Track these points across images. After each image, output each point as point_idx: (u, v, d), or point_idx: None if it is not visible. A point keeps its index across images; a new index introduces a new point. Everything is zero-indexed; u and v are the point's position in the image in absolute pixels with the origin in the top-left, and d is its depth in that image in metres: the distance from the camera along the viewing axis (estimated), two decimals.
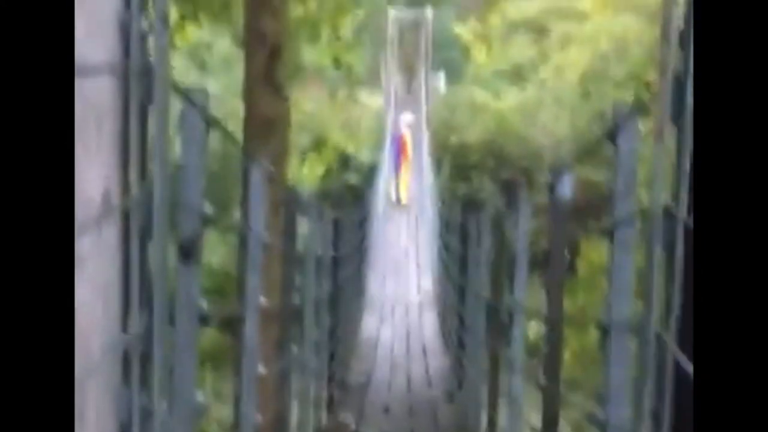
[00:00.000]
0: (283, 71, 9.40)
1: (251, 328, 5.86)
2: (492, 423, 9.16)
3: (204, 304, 4.21)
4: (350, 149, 32.29)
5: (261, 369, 6.08)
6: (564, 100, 32.60)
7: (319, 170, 22.68)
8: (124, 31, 2.48)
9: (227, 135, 5.46)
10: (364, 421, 11.39)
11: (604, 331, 4.11)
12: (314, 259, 9.23)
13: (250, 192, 5.97)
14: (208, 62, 18.57)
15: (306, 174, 22.90)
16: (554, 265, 6.21)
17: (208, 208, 4.22)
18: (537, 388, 6.24)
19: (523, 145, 33.16)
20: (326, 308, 11.63)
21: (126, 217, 2.55)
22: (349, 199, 31.79)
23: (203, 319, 4.24)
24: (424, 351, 15.86)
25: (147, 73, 2.53)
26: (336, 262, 12.80)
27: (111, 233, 2.45)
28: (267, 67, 9.27)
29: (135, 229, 2.55)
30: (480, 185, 33.03)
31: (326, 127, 31.38)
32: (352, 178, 33.01)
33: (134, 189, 2.54)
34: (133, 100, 2.50)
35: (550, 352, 6.15)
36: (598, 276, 17.73)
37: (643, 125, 4.27)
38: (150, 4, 2.54)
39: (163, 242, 2.66)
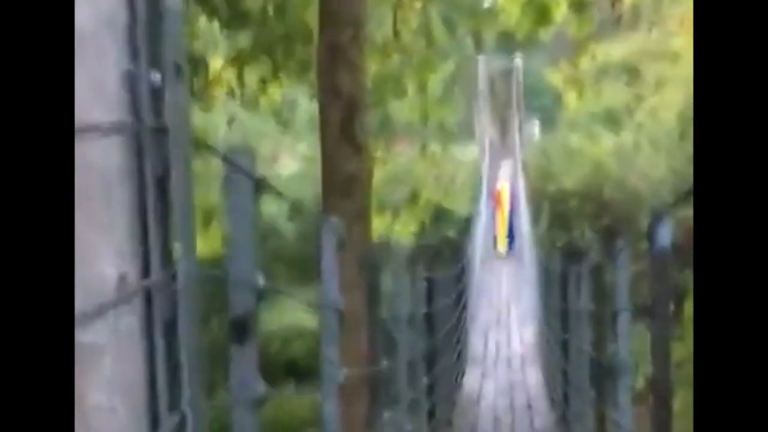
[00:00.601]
0: (361, 126, 9.09)
1: (330, 405, 5.52)
2: None
3: (262, 387, 3.88)
4: (445, 203, 31.94)
5: None
6: (660, 143, 31.99)
7: (412, 226, 22.30)
8: (132, 87, 2.13)
9: (280, 196, 5.14)
10: None
11: None
12: (404, 318, 8.88)
13: (323, 255, 5.66)
14: (291, 121, 18.34)
15: (398, 230, 22.53)
16: (658, 318, 5.80)
17: (262, 281, 3.88)
18: None
19: (622, 189, 32.63)
20: (422, 367, 11.36)
21: (148, 303, 2.21)
22: (447, 253, 31.64)
23: (260, 402, 3.91)
24: (529, 406, 15.39)
25: (162, 132, 2.19)
26: (431, 318, 12.47)
27: (131, 322, 2.12)
28: (343, 122, 8.97)
29: (158, 316, 2.19)
30: (579, 233, 32.59)
31: (419, 182, 31.06)
32: (449, 232, 32.69)
33: (155, 269, 2.20)
34: (147, 164, 2.15)
35: (657, 411, 5.75)
36: None
37: None
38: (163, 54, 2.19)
39: (191, 329, 2.31)
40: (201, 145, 2.71)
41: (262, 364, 3.84)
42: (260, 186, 3.97)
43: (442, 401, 13.48)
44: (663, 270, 5.74)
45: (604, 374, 8.68)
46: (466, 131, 43.10)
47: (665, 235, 5.63)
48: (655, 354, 5.84)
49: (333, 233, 5.67)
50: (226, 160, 3.53)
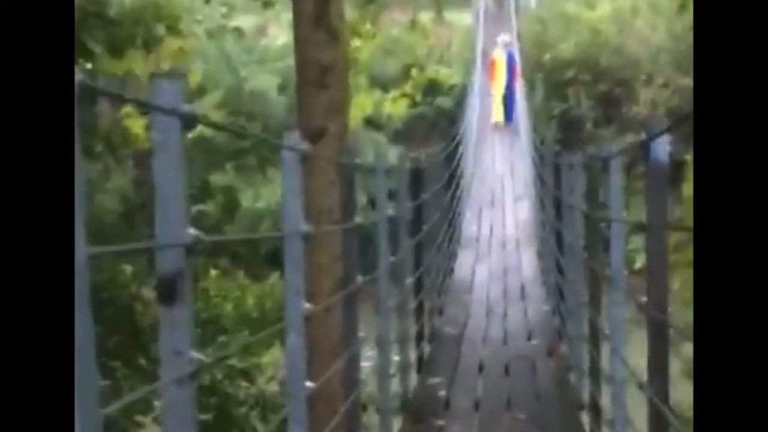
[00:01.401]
0: (337, 10, 8.39)
1: (295, 338, 4.96)
2: (595, 373, 8.28)
3: (194, 355, 3.31)
4: (439, 75, 31.26)
5: None
6: (660, 6, 31.23)
7: (404, 102, 21.61)
8: None
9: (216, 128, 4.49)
10: (455, 384, 10.35)
11: None
12: (386, 220, 8.24)
13: (283, 181, 5.05)
14: None
15: (391, 108, 21.83)
16: (654, 234, 5.20)
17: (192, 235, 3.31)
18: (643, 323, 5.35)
19: (620, 56, 32.15)
20: (409, 260, 10.79)
21: None
22: (443, 124, 31.07)
23: (195, 375, 3.37)
24: (523, 295, 14.79)
25: None
26: (419, 206, 11.89)
27: None
28: (317, 6, 8.27)
29: None
30: (575, 101, 32.10)
31: (411, 54, 30.32)
32: (445, 102, 32.03)
33: None
34: None
35: (652, 276, 5.20)
36: None
37: None
38: None
39: None
40: None
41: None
42: (189, 123, 3.39)
43: (432, 290, 12.93)
44: (659, 186, 5.13)
45: (596, 282, 8.15)
46: None
47: (662, 150, 5.02)
48: (651, 277, 5.28)
49: (294, 154, 5.05)
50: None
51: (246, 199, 24.36)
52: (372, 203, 10.87)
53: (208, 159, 24.19)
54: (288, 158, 5.00)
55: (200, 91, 25.50)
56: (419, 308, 11.51)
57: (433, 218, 13.41)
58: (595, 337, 8.27)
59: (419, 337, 11.38)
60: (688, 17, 28.16)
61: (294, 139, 5.10)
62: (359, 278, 6.94)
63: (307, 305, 5.18)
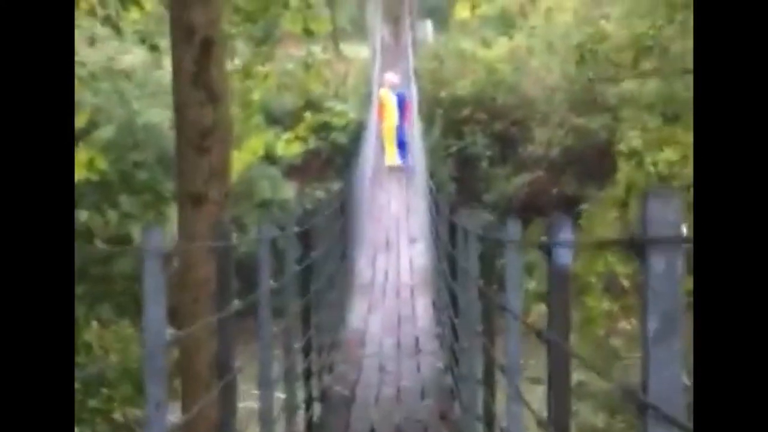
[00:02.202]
0: (218, 70, 7.81)
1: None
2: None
3: None
4: (335, 113, 30.76)
5: None
6: (555, 47, 31.16)
7: (297, 145, 21.01)
8: None
9: None
10: None
11: None
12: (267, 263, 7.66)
13: (144, 284, 4.45)
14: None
15: (283, 150, 21.20)
16: (555, 331, 4.72)
17: None
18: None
19: (516, 95, 32.10)
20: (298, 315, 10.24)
21: None
22: (339, 161, 30.58)
23: None
24: (417, 349, 14.24)
25: None
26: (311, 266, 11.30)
27: None
28: (198, 65, 7.69)
29: None
30: (472, 139, 31.90)
31: (307, 90, 29.76)
32: (341, 137, 31.52)
33: None
34: None
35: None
36: None
37: None
38: None
39: None
40: None
41: None
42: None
43: (324, 343, 12.36)
44: (562, 285, 4.64)
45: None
46: (360, 30, 42.01)
47: (564, 253, 4.54)
48: (553, 375, 4.83)
49: (157, 256, 4.46)
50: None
51: None
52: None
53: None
54: (150, 264, 4.39)
55: (93, 125, 24.70)
56: (308, 370, 10.96)
57: (324, 270, 12.86)
58: (489, 411, 7.87)
59: (309, 400, 10.83)
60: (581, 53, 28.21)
61: (156, 239, 4.49)
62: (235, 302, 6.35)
63: (171, 330, 4.65)
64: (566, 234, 4.59)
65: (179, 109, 7.94)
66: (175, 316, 7.42)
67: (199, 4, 7.65)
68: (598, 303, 16.45)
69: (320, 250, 12.38)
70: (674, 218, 2.78)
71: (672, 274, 2.78)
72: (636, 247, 2.84)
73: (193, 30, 7.69)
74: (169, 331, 4.75)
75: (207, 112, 7.77)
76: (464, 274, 9.72)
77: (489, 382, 7.92)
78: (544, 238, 4.68)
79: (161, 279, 4.47)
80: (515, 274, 6.27)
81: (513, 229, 6.21)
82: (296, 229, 9.99)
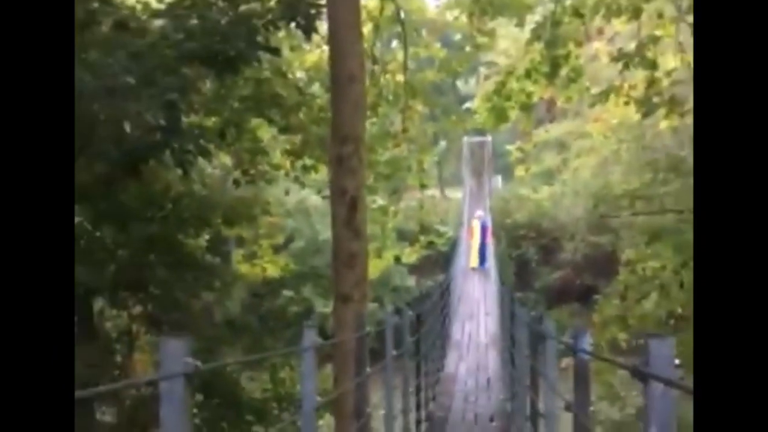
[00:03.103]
0: (361, 218, 7.60)
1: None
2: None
3: None
4: (440, 235, 30.57)
5: None
6: (580, 192, 30.70)
7: (416, 254, 20.85)
8: None
9: None
10: None
11: None
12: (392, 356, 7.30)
13: (303, 371, 4.16)
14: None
15: (407, 258, 21.02)
16: (579, 416, 4.22)
17: None
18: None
19: (553, 222, 31.68)
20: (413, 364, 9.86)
21: None
22: (441, 261, 30.45)
23: None
24: (488, 387, 13.65)
25: None
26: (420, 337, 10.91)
27: None
28: (347, 215, 7.48)
29: None
30: (525, 249, 31.52)
31: (423, 219, 29.56)
32: (444, 248, 31.27)
33: None
34: None
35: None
36: None
37: None
38: None
39: None
40: None
41: None
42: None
43: (429, 382, 11.88)
44: (584, 374, 4.18)
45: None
46: (457, 180, 41.89)
47: (586, 344, 4.11)
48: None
49: (311, 351, 4.17)
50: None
51: None
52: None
53: None
54: (307, 355, 4.10)
55: (290, 240, 24.79)
56: (417, 404, 10.50)
57: (432, 333, 12.43)
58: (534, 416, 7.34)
59: (418, 422, 10.36)
60: (596, 197, 27.62)
61: (311, 338, 4.20)
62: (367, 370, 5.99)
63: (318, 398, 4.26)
64: (584, 341, 4.19)
65: (336, 241, 7.73)
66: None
67: (350, 174, 7.48)
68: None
69: (428, 324, 12.02)
70: (669, 354, 2.46)
71: (666, 395, 2.46)
72: (640, 375, 2.51)
73: (345, 191, 7.51)
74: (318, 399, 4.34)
75: (353, 245, 7.55)
76: (519, 346, 9.28)
77: (533, 418, 7.46)
78: (570, 341, 4.28)
79: (313, 364, 4.18)
80: (552, 357, 5.74)
81: (549, 325, 5.78)
82: (410, 313, 9.61)
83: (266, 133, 12.04)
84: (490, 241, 27.17)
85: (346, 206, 7.40)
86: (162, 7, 7.08)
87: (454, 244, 29.52)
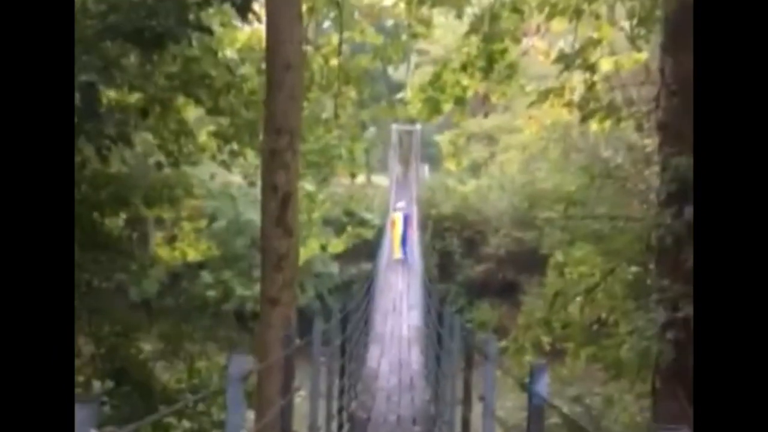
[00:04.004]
0: (292, 216, 7.08)
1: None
2: None
3: None
4: (367, 217, 30.20)
5: None
6: (505, 187, 30.69)
7: (341, 245, 20.37)
8: None
9: None
10: None
11: None
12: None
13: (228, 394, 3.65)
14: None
15: (333, 249, 20.52)
16: None
17: None
18: None
19: (479, 215, 31.57)
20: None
21: None
22: (367, 248, 30.07)
23: None
24: (411, 386, 13.32)
25: None
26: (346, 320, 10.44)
27: None
28: (279, 212, 6.97)
29: None
30: (450, 241, 31.33)
31: (350, 205, 29.13)
32: (369, 235, 30.91)
33: None
34: None
35: None
36: None
37: None
38: None
39: None
40: None
41: None
42: None
43: (352, 381, 11.45)
44: (538, 419, 3.78)
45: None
46: (383, 167, 41.54)
47: (542, 387, 3.71)
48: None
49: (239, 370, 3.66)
50: None
51: None
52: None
53: None
54: (233, 387, 3.59)
55: (212, 219, 24.02)
56: (341, 392, 10.05)
57: (357, 330, 12.01)
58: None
59: (340, 424, 9.93)
60: (522, 191, 27.59)
61: (239, 365, 3.69)
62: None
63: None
64: (543, 383, 3.79)
65: (264, 239, 7.21)
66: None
67: (283, 168, 6.96)
68: None
69: (353, 322, 11.60)
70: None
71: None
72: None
73: (276, 187, 6.99)
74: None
75: (283, 243, 7.03)
76: (447, 353, 8.92)
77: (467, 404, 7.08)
78: (527, 380, 3.86)
79: (241, 395, 3.68)
80: (491, 380, 5.36)
81: (492, 347, 5.37)
82: (338, 315, 9.15)
83: (193, 113, 11.39)
84: (413, 232, 26.86)
85: (278, 202, 6.89)
86: None
87: (379, 232, 29.14)
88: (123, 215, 12.97)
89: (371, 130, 26.63)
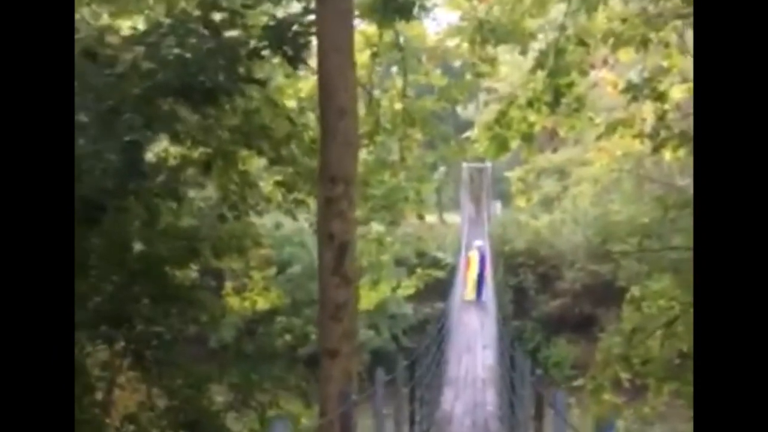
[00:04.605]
0: (350, 264, 6.83)
1: None
2: None
3: None
4: (440, 255, 29.82)
5: None
6: (579, 220, 30.03)
7: (412, 289, 20.02)
8: None
9: None
10: None
11: None
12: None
13: None
14: None
15: (402, 292, 20.17)
16: None
17: None
18: None
19: (552, 249, 30.95)
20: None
21: None
22: (440, 288, 29.64)
23: None
24: (486, 427, 12.86)
25: None
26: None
27: None
28: (336, 261, 6.73)
29: None
30: (524, 277, 30.77)
31: (422, 245, 28.77)
32: (441, 275, 30.45)
33: None
34: None
35: None
36: None
37: None
38: None
39: None
40: None
41: None
42: None
43: (423, 416, 11.07)
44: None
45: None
46: (455, 205, 41.26)
47: (561, 403, 3.45)
48: None
49: None
50: None
51: None
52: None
53: None
54: None
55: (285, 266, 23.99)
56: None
57: (428, 374, 11.66)
58: None
59: None
60: (596, 224, 26.91)
61: (280, 428, 3.42)
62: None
63: None
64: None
65: (322, 290, 6.96)
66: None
67: (338, 217, 6.73)
68: None
69: (423, 366, 11.27)
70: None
71: None
72: None
73: (333, 236, 6.76)
74: None
75: (341, 293, 6.78)
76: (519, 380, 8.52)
77: None
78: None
79: None
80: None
81: (560, 401, 5.02)
82: (404, 362, 8.85)
83: (256, 163, 11.31)
84: (488, 272, 26.28)
85: (334, 252, 6.65)
86: (136, 31, 6.36)
87: (452, 271, 28.70)
88: (195, 267, 12.93)
89: (441, 170, 26.37)
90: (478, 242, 26.79)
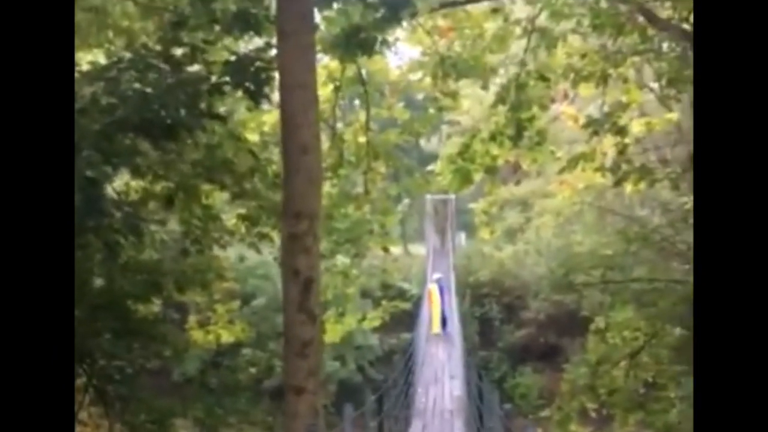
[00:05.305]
0: (315, 301, 6.72)
1: None
2: None
3: None
4: (405, 287, 29.75)
5: None
6: (542, 251, 30.14)
7: (377, 321, 19.89)
8: None
9: None
10: None
11: None
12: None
13: None
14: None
15: (369, 322, 20.00)
16: None
17: None
18: None
19: (517, 280, 31.02)
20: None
21: None
22: (406, 319, 29.49)
23: None
24: None
25: None
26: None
27: None
28: (301, 297, 6.61)
29: None
30: (489, 307, 30.79)
31: (386, 277, 28.64)
32: (406, 306, 30.29)
33: None
34: None
35: None
36: None
37: None
38: None
39: None
40: None
41: None
42: None
43: None
44: None
45: None
46: (420, 236, 41.25)
47: None
48: None
49: None
50: None
51: None
52: None
53: None
54: None
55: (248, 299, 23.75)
56: None
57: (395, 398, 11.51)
58: None
59: None
60: (560, 254, 26.97)
61: None
62: None
63: None
64: None
65: (287, 326, 6.83)
66: None
67: (303, 253, 6.62)
68: None
69: (392, 398, 11.13)
70: None
71: None
72: None
73: (298, 272, 6.65)
74: None
75: (307, 330, 6.66)
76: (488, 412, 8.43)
77: None
78: None
79: None
80: None
81: None
82: (372, 398, 8.73)
83: (219, 197, 11.17)
84: (452, 303, 26.11)
85: (300, 287, 6.54)
86: (96, 65, 6.24)
87: (418, 302, 28.59)
88: (157, 301, 12.72)
89: (405, 202, 26.30)
90: (437, 275, 26.61)
